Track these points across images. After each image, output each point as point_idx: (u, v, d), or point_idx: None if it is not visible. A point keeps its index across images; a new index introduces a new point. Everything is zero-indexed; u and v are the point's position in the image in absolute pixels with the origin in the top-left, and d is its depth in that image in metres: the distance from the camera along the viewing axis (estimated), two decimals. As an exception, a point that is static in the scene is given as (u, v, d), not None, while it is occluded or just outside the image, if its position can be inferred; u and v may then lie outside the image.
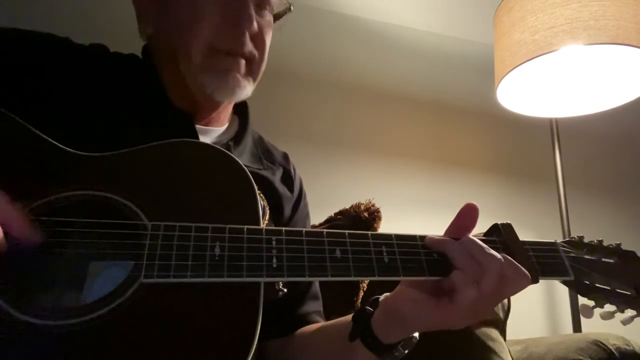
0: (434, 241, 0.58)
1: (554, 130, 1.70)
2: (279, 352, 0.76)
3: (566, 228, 1.65)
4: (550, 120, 1.72)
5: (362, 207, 1.14)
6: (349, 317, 0.66)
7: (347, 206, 1.18)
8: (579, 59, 1.43)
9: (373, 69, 1.87)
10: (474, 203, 0.60)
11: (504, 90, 1.46)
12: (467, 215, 0.59)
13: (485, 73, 1.69)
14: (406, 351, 0.61)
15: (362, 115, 1.86)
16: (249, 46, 0.73)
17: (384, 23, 1.79)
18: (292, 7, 0.81)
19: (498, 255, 0.54)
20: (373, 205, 1.15)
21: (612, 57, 1.38)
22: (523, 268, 0.55)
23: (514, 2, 1.36)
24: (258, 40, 0.75)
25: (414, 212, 1.81)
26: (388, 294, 0.62)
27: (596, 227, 1.97)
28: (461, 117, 1.99)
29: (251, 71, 0.75)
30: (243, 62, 0.73)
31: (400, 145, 1.88)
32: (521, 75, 1.41)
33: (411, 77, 1.91)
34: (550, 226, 1.79)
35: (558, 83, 1.51)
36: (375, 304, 0.62)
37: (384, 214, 1.15)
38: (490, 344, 0.90)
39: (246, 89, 0.74)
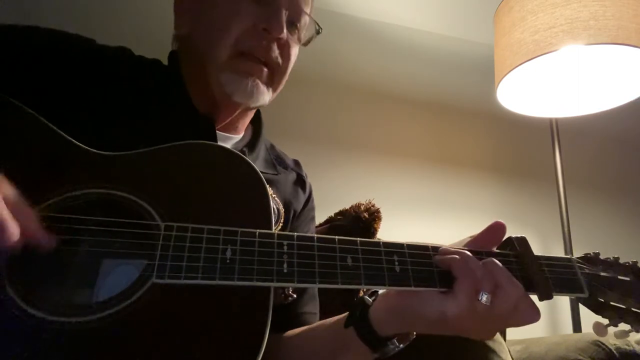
0: (442, 260, 0.57)
1: (554, 130, 1.71)
2: (272, 349, 0.76)
3: (566, 228, 1.66)
4: (550, 120, 1.72)
5: (362, 208, 1.14)
6: (344, 314, 0.66)
7: (347, 206, 1.18)
8: (579, 59, 1.43)
9: (373, 69, 1.87)
10: (503, 222, 0.61)
11: (504, 90, 1.46)
12: (495, 232, 0.61)
13: (485, 73, 1.69)
14: (401, 345, 0.61)
15: (362, 116, 1.86)
16: (275, 53, 0.75)
17: (384, 23, 1.79)
18: (321, 30, 0.83)
19: (520, 285, 0.55)
20: (373, 206, 1.15)
21: (612, 57, 1.38)
22: (536, 305, 0.55)
23: (514, 2, 1.36)
24: (284, 51, 0.77)
25: (414, 212, 1.81)
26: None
27: (596, 227, 1.97)
28: (461, 117, 1.99)
29: (272, 81, 0.77)
30: (266, 70, 0.75)
31: (400, 145, 1.88)
32: (521, 75, 1.41)
33: (411, 77, 1.91)
34: (550, 226, 1.79)
35: (558, 83, 1.51)
36: (374, 295, 0.62)
37: (384, 214, 1.15)
38: (490, 343, 0.90)
39: (264, 95, 0.76)
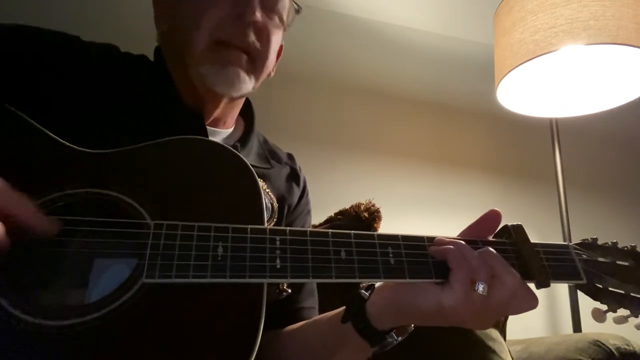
0: (437, 251, 0.57)
1: (554, 130, 1.70)
2: (270, 344, 0.75)
3: (566, 228, 1.66)
4: (550, 120, 1.72)
5: (362, 207, 1.14)
6: (342, 308, 0.65)
7: (347, 206, 1.18)
8: (579, 59, 1.43)
9: (373, 69, 1.87)
10: (498, 210, 0.60)
11: (504, 90, 1.46)
12: (491, 220, 0.60)
13: (485, 73, 1.69)
14: (400, 338, 0.61)
15: (362, 115, 1.86)
16: (252, 38, 0.73)
17: (384, 23, 1.79)
18: (300, 10, 0.81)
19: (517, 274, 0.54)
20: (373, 205, 1.15)
21: (612, 57, 1.38)
22: (534, 293, 0.55)
23: (514, 2, 1.36)
24: (262, 35, 0.75)
25: (414, 211, 1.81)
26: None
27: (596, 227, 1.97)
28: (461, 117, 1.99)
29: (254, 68, 0.75)
30: (245, 57, 0.73)
31: (400, 145, 1.88)
32: (521, 75, 1.41)
33: (411, 77, 1.91)
34: (550, 226, 1.79)
35: (558, 83, 1.51)
36: (371, 289, 0.62)
37: (384, 214, 1.15)
38: (490, 343, 0.90)
39: (246, 83, 0.74)
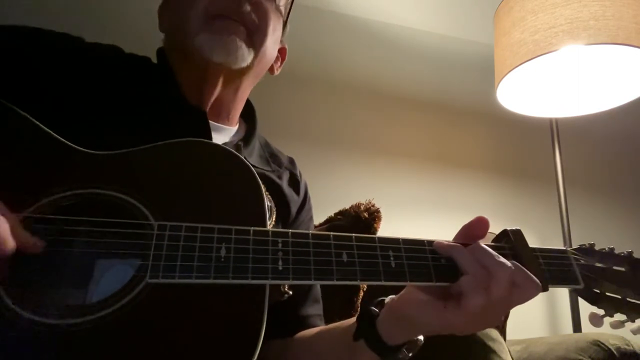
0: (443, 246, 0.57)
1: (554, 130, 1.71)
2: (277, 353, 0.76)
3: (566, 228, 1.66)
4: (550, 120, 1.72)
5: (362, 207, 1.14)
6: (352, 319, 0.66)
7: (347, 206, 1.18)
8: (579, 59, 1.43)
9: (373, 69, 1.87)
10: (486, 217, 0.59)
11: (504, 90, 1.46)
12: (477, 227, 0.59)
13: (485, 73, 1.70)
14: (410, 354, 0.61)
15: (362, 116, 1.86)
16: (247, 8, 0.73)
17: (384, 23, 1.79)
18: None
19: (508, 263, 0.53)
20: (373, 206, 1.15)
21: (612, 57, 1.38)
22: (533, 276, 0.54)
23: (514, 1, 1.36)
24: (259, 9, 0.75)
25: (414, 212, 1.81)
26: (394, 296, 0.61)
27: (596, 227, 1.97)
28: (461, 117, 1.99)
29: (252, 42, 0.75)
30: (242, 28, 0.73)
31: (400, 145, 1.88)
32: (521, 75, 1.41)
33: (411, 77, 1.91)
34: (550, 226, 1.79)
35: (558, 83, 1.51)
36: (380, 305, 0.62)
37: (384, 214, 1.15)
38: (490, 344, 0.90)
39: (243, 52, 0.73)
